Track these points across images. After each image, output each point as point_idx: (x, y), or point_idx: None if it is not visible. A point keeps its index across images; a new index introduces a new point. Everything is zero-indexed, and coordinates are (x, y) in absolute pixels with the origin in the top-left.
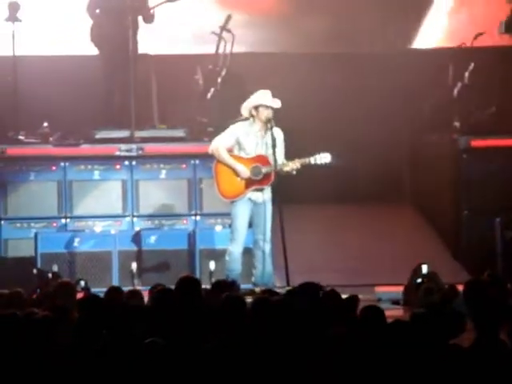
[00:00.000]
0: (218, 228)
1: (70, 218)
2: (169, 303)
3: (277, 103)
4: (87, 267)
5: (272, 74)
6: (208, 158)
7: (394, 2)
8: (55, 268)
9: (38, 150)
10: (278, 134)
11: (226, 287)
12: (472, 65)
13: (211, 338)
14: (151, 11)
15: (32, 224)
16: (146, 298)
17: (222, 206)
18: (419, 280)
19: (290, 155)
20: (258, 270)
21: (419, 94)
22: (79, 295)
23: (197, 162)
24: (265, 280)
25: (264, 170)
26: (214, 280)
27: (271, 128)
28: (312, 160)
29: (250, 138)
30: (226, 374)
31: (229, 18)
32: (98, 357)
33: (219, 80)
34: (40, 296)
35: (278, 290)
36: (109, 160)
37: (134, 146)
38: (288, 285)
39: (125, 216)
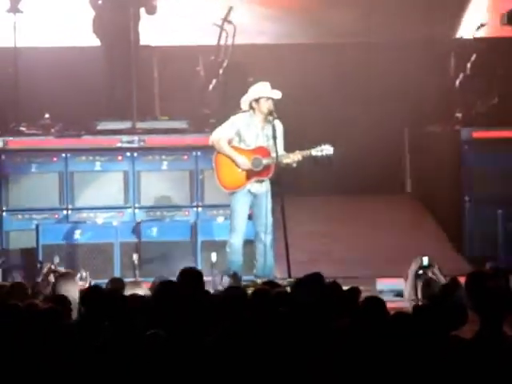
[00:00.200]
0: (220, 219)
1: (72, 209)
2: (170, 295)
3: (277, 94)
4: (89, 259)
5: (274, 65)
6: (210, 149)
7: None
8: (56, 259)
9: (40, 142)
10: (278, 125)
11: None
12: (474, 56)
13: (213, 329)
14: (153, 2)
15: (33, 215)
16: (147, 290)
17: (224, 197)
18: (420, 272)
19: (290, 147)
20: (259, 263)
21: (421, 85)
22: (81, 287)
23: (198, 153)
24: (266, 272)
25: (265, 161)
26: (216, 271)
27: (274, 119)
28: (313, 152)
29: (250, 130)
30: (228, 366)
31: (230, 9)
32: (100, 348)
33: (221, 71)
34: (41, 287)
35: (279, 282)
36: (110, 151)
37: (135, 138)
38: (289, 276)
39: (126, 207)
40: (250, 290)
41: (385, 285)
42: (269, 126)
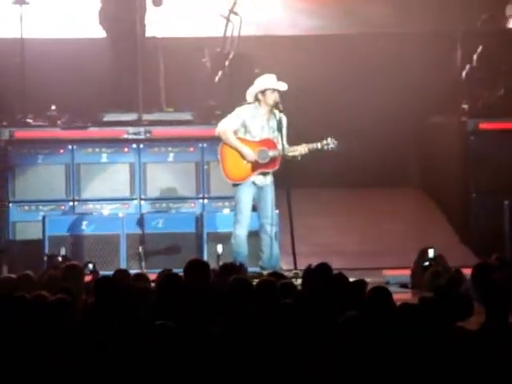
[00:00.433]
0: (226, 211)
1: (78, 200)
2: (174, 288)
3: (283, 86)
4: (95, 250)
5: (280, 57)
6: (215, 141)
7: None
8: (63, 251)
9: (46, 133)
10: (283, 118)
11: (233, 270)
12: (480, 47)
13: (219, 320)
14: None
15: (40, 207)
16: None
17: (230, 189)
18: (426, 263)
19: (297, 140)
20: (265, 254)
21: (427, 76)
22: (87, 278)
23: (204, 145)
24: (273, 263)
25: (271, 153)
26: (221, 263)
27: (280, 111)
28: (319, 145)
29: (256, 121)
30: (233, 357)
31: (236, 0)
32: (108, 340)
33: (227, 63)
34: (48, 279)
35: (285, 274)
36: (116, 143)
37: (141, 129)
38: (295, 268)
39: (132, 199)
40: (255, 282)
41: (391, 276)
42: (274, 118)
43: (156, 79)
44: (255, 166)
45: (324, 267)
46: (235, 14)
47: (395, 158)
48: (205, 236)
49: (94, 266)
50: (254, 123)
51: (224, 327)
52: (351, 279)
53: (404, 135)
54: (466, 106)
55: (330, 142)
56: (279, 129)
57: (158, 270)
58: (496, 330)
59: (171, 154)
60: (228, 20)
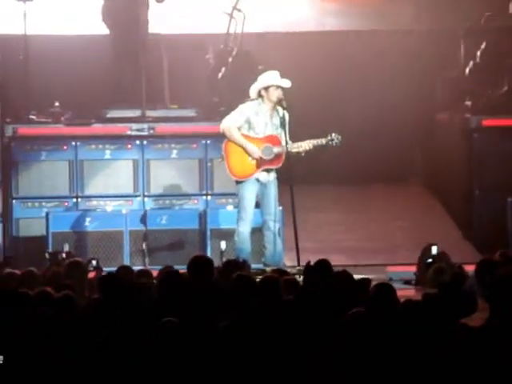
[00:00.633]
0: (229, 208)
1: (81, 197)
2: (176, 285)
3: (286, 83)
4: (98, 246)
5: (283, 54)
6: (219, 137)
7: None
8: (66, 247)
9: (50, 130)
10: (285, 114)
11: (236, 267)
12: (484, 44)
13: (223, 317)
14: None
15: (43, 203)
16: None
17: (233, 186)
18: (429, 260)
19: (302, 136)
20: (268, 251)
21: (431, 73)
22: (91, 275)
23: (208, 141)
24: (276, 259)
25: (275, 150)
26: (224, 259)
27: (284, 108)
28: (324, 141)
29: (259, 118)
30: (237, 353)
31: None
32: (112, 336)
33: (230, 60)
34: (52, 275)
35: (288, 270)
36: (120, 139)
37: (145, 126)
38: (299, 265)
39: (136, 196)
40: (258, 278)
41: (394, 273)
42: (277, 114)
43: (159, 76)
44: (260, 162)
45: (323, 263)
46: (238, 10)
47: (399, 155)
48: (208, 232)
49: (97, 263)
50: (257, 120)
51: (227, 324)
52: (355, 276)
53: (408, 132)
54: (469, 103)
55: (335, 138)
56: (282, 125)
57: (161, 267)
58: (500, 326)
59: (174, 151)
60: (231, 17)
